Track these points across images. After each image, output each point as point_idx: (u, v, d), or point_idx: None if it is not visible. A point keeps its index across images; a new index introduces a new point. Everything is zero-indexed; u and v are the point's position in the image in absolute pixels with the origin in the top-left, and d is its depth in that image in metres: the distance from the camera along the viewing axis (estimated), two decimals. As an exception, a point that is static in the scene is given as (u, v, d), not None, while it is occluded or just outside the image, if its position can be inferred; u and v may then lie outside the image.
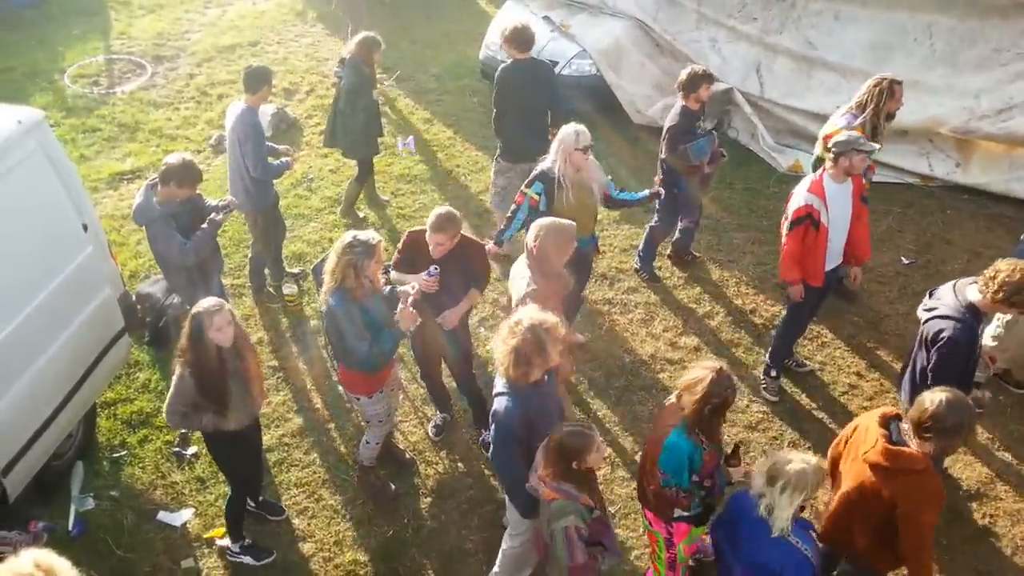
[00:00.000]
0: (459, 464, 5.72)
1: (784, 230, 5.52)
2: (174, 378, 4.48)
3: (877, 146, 5.47)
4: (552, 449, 3.81)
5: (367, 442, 5.35)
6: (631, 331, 6.80)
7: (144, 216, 5.50)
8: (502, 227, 5.84)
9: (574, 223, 4.98)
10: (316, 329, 6.77)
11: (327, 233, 7.81)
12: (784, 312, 6.27)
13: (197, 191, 5.69)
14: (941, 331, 4.39)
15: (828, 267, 5.63)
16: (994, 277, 4.29)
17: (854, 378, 6.37)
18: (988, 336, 5.79)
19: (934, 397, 3.65)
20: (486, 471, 5.65)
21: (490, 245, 5.82)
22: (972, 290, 4.43)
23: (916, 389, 4.47)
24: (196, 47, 11.25)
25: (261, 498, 5.34)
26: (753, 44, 8.96)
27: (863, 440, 3.92)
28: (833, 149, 5.28)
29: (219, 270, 6.08)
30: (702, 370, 3.93)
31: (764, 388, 6.18)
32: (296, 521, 5.38)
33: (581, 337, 6.61)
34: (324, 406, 6.17)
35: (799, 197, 5.40)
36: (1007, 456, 5.78)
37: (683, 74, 6.49)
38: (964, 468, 5.67)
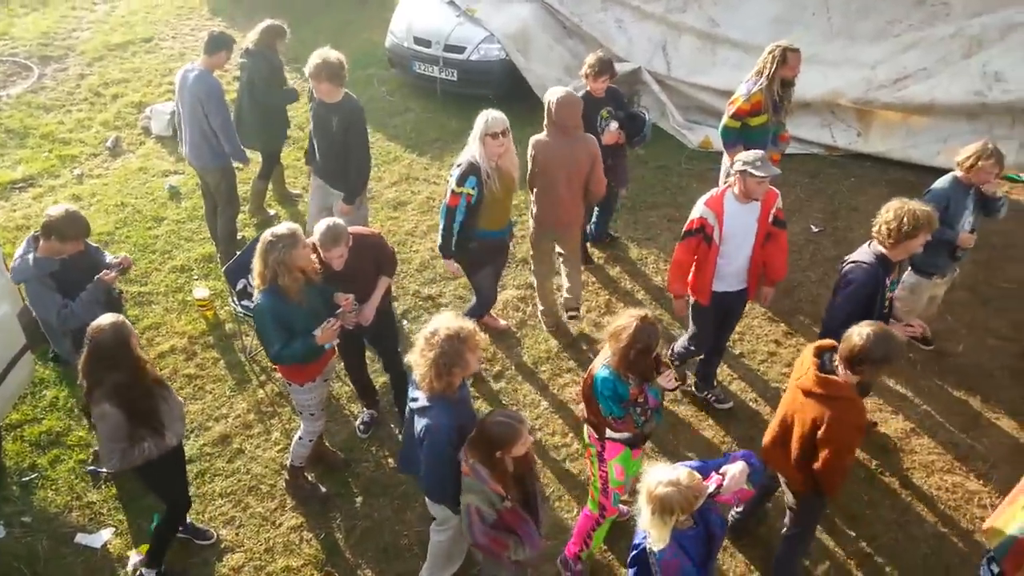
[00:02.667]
0: (389, 460, 5.62)
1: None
2: (96, 421, 4.21)
3: (776, 171, 5.05)
4: (478, 434, 3.80)
5: (300, 438, 5.22)
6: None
7: (20, 274, 4.95)
8: (443, 238, 5.61)
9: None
10: (232, 332, 6.55)
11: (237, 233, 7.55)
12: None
13: (88, 242, 5.18)
14: (847, 273, 4.74)
15: (721, 288, 5.33)
16: (880, 226, 4.66)
17: (772, 346, 6.53)
18: (896, 299, 6.01)
19: (861, 331, 3.86)
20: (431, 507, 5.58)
21: (449, 265, 5.80)
22: (873, 242, 4.78)
23: (827, 315, 4.88)
24: (85, 46, 10.74)
25: (188, 521, 5.13)
26: (658, 23, 9.05)
27: (798, 369, 4.19)
28: (735, 165, 5.02)
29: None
30: (627, 318, 4.11)
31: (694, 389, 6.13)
32: (224, 532, 5.20)
33: (503, 323, 6.59)
34: (246, 411, 5.98)
35: (696, 208, 5.16)
36: (920, 410, 6.02)
37: (586, 61, 6.49)
38: (881, 424, 5.88)
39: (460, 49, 9.26)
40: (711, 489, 3.52)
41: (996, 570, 3.87)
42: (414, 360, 3.97)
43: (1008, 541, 3.82)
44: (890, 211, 4.65)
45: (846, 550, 5.12)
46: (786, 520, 4.63)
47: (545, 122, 5.88)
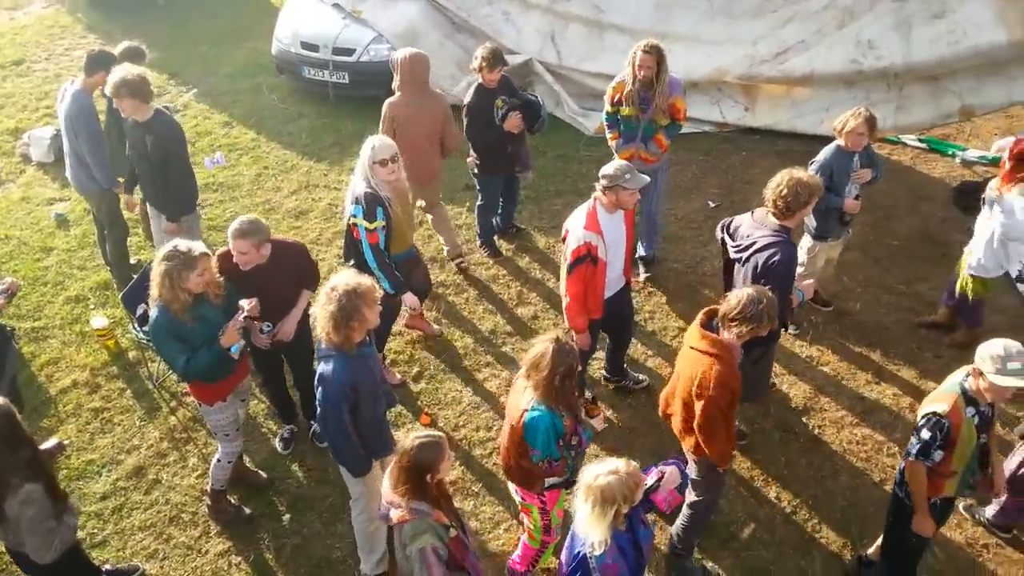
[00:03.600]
0: (313, 474, 5.53)
1: (564, 272, 5.14)
2: (20, 511, 3.84)
3: (646, 179, 5.06)
4: (404, 466, 3.59)
5: (218, 461, 5.08)
6: (469, 309, 6.81)
7: None
8: (388, 279, 5.38)
9: None
10: (136, 360, 6.31)
11: (131, 256, 7.26)
12: None
13: None
14: (771, 258, 4.71)
15: (608, 295, 5.35)
16: (774, 201, 4.79)
17: (682, 321, 6.69)
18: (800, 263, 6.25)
19: (740, 293, 4.10)
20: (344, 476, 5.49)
21: (410, 299, 5.58)
22: (760, 211, 4.92)
23: None
24: (-51, 73, 10.15)
25: (107, 567, 4.89)
26: (545, 13, 9.13)
27: (690, 332, 4.36)
28: (602, 181, 4.98)
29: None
30: (542, 344, 4.01)
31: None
32: (147, 567, 5.02)
33: (436, 328, 6.56)
34: (159, 439, 5.77)
35: (577, 236, 5.01)
36: (825, 369, 6.28)
37: (476, 52, 6.52)
38: (790, 387, 6.11)
39: (349, 51, 9.14)
40: (651, 482, 3.57)
41: (902, 464, 4.20)
42: (317, 311, 4.11)
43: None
44: (780, 186, 4.79)
45: (768, 511, 5.30)
46: (690, 488, 4.75)
47: (396, 84, 6.33)
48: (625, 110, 6.35)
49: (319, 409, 4.22)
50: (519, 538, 4.97)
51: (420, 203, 6.69)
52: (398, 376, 6.18)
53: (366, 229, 5.25)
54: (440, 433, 3.74)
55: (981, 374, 3.83)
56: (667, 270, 7.22)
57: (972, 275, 5.96)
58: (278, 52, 9.62)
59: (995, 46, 7.98)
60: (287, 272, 4.99)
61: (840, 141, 5.81)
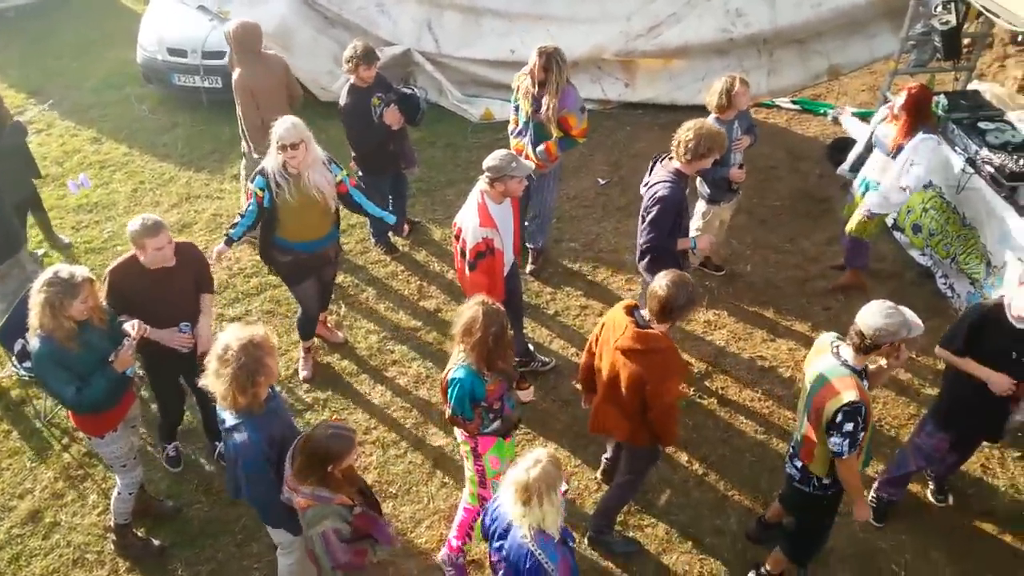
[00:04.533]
0: (223, 496, 5.34)
1: (466, 269, 5.19)
2: None
3: (531, 166, 5.27)
4: (307, 455, 3.62)
5: (119, 494, 4.85)
6: (369, 309, 6.70)
7: None
8: (234, 223, 5.44)
9: None
10: (20, 399, 5.96)
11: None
12: None
13: None
14: (655, 192, 5.07)
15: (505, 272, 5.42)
16: (679, 143, 5.06)
17: (583, 299, 6.76)
18: (692, 229, 6.39)
19: (661, 283, 4.07)
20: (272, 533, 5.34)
21: (220, 246, 5.42)
22: (674, 161, 5.14)
23: (643, 255, 5.24)
24: None
25: None
26: (420, 3, 9.01)
27: (613, 331, 4.27)
28: (488, 174, 5.02)
29: None
30: (470, 309, 4.08)
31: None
32: (52, 614, 4.77)
33: (340, 335, 6.43)
34: (53, 480, 5.46)
35: (474, 234, 5.04)
36: (723, 332, 6.46)
37: (345, 53, 6.34)
38: (691, 352, 6.26)
39: (220, 54, 8.78)
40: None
41: (799, 464, 4.27)
42: (211, 382, 3.77)
43: (799, 438, 4.24)
44: (689, 130, 5.03)
45: (681, 475, 5.43)
46: (622, 467, 4.83)
47: (235, 58, 6.57)
48: (523, 103, 6.29)
49: (244, 483, 3.93)
50: (443, 535, 4.96)
51: None
52: (340, 335, 6.36)
53: (245, 188, 5.45)
54: (352, 428, 3.75)
55: (892, 344, 3.87)
56: (565, 249, 7.28)
57: (868, 215, 6.16)
58: (144, 60, 9.19)
59: (855, 5, 8.34)
60: (189, 272, 4.82)
61: (718, 114, 5.94)
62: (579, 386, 4.96)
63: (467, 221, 5.12)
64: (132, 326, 4.47)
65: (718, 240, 6.72)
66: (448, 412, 4.37)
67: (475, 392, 4.18)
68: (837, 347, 4.02)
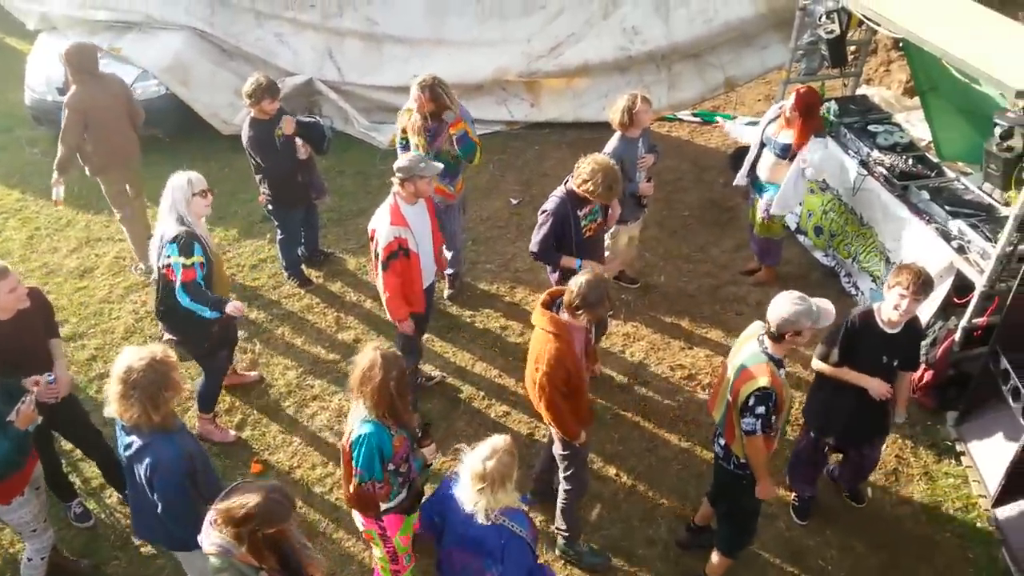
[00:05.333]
0: (141, 551, 5.10)
1: (379, 270, 5.23)
2: None
3: (439, 167, 5.34)
4: (237, 510, 3.28)
5: (29, 560, 4.60)
6: (286, 344, 6.55)
7: None
8: (200, 310, 5.05)
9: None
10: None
11: None
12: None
13: None
14: (545, 204, 5.35)
15: (425, 285, 5.50)
16: (577, 167, 5.22)
17: (502, 320, 6.76)
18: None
19: (578, 280, 4.23)
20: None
21: (232, 310, 5.11)
22: (570, 181, 5.31)
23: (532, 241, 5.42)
24: None
25: None
26: (319, 31, 8.94)
27: (535, 314, 4.47)
28: (399, 174, 5.11)
29: None
30: (366, 356, 3.89)
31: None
32: None
33: (255, 374, 6.25)
34: (-47, 549, 5.14)
35: (385, 233, 5.10)
36: (642, 343, 6.55)
37: (246, 88, 6.22)
38: (611, 363, 6.32)
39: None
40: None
41: (722, 442, 4.42)
42: (116, 409, 3.70)
43: (722, 418, 4.40)
44: (588, 166, 5.15)
45: (611, 488, 5.46)
46: (561, 467, 4.84)
47: (70, 78, 6.54)
48: (415, 139, 6.20)
49: (160, 505, 3.75)
50: (373, 569, 4.85)
51: (128, 189, 6.92)
52: (232, 433, 5.81)
53: (182, 266, 4.92)
54: (288, 492, 3.45)
55: (798, 334, 4.03)
56: (482, 271, 7.28)
57: (771, 216, 6.47)
58: (33, 102, 8.83)
59: (744, 20, 8.65)
60: (39, 318, 4.60)
61: (621, 132, 6.03)
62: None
63: (380, 222, 5.20)
64: (32, 381, 4.27)
65: (630, 255, 6.83)
66: (352, 486, 3.98)
67: (383, 448, 3.91)
68: (762, 335, 4.18)
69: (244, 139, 6.39)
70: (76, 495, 5.29)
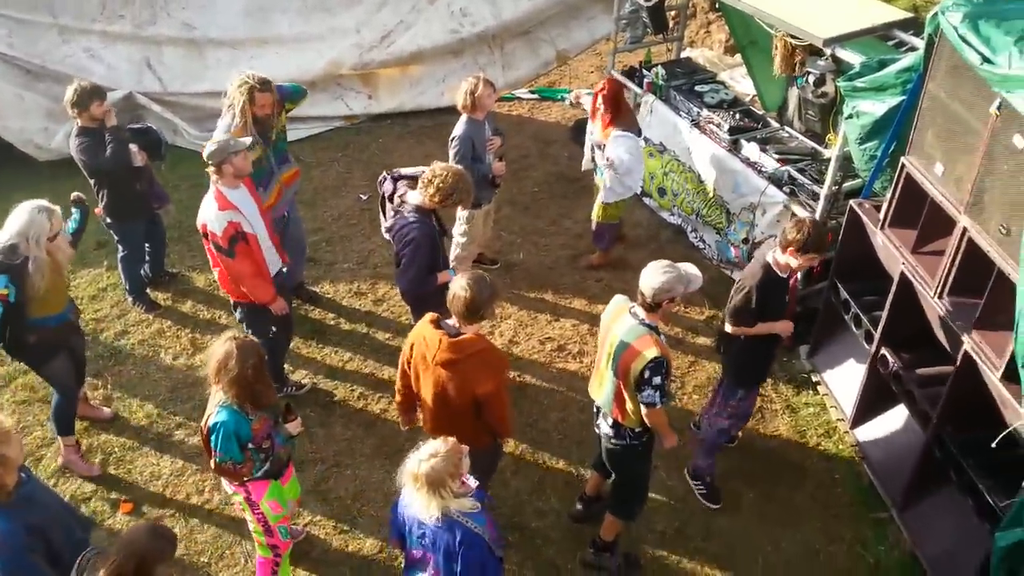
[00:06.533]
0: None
1: (224, 260, 5.09)
2: None
3: (248, 140, 5.26)
4: (119, 554, 3.17)
5: None
6: (140, 375, 6.18)
7: None
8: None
9: None
10: None
11: None
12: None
13: None
14: (406, 235, 5.02)
15: (273, 271, 5.39)
16: (431, 181, 4.95)
17: (368, 318, 6.66)
18: (457, 235, 6.46)
19: (462, 284, 4.05)
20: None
21: None
22: (414, 195, 5.08)
23: (405, 296, 5.35)
24: None
25: None
26: (132, 42, 8.43)
27: (427, 348, 4.18)
28: (210, 161, 4.96)
29: None
30: (223, 346, 3.88)
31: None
32: None
33: (108, 411, 5.86)
34: None
35: (216, 220, 4.96)
36: (510, 321, 6.61)
37: (68, 96, 5.84)
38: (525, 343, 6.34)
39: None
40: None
41: (611, 422, 4.48)
42: None
43: (608, 398, 4.42)
44: (442, 173, 4.93)
45: (500, 466, 5.47)
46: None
47: None
48: (251, 155, 5.77)
49: None
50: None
51: None
52: (97, 468, 5.47)
53: None
54: (162, 533, 3.32)
55: (672, 300, 4.13)
56: (341, 271, 7.13)
57: (604, 203, 6.63)
58: None
59: (567, -8, 8.82)
60: None
61: (467, 114, 6.02)
62: (397, 410, 4.81)
63: (207, 212, 5.05)
64: None
65: (487, 236, 6.86)
66: (214, 461, 4.06)
67: (240, 432, 3.96)
68: (633, 308, 4.25)
69: (73, 151, 5.95)
70: None
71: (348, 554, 5.00)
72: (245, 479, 4.15)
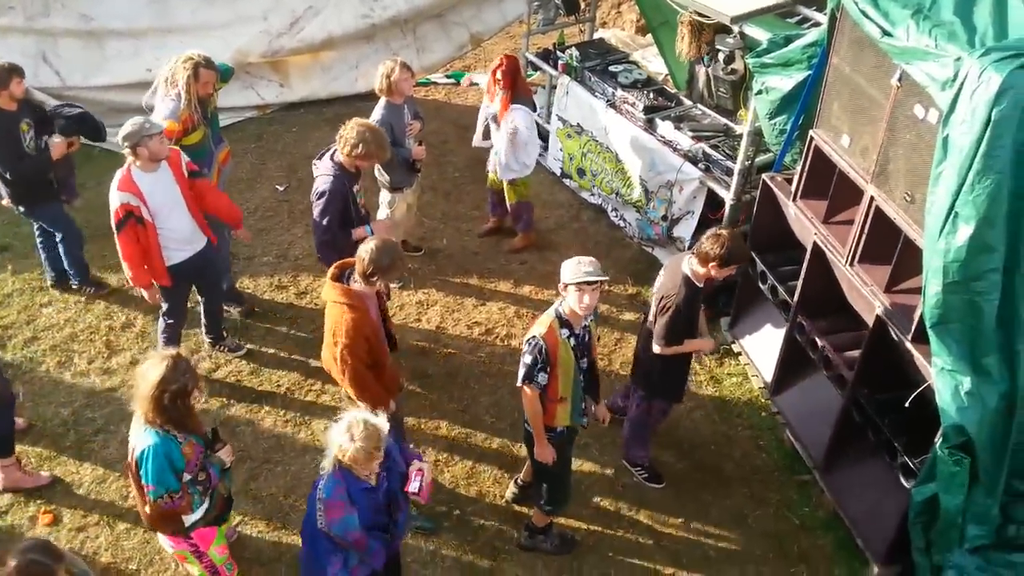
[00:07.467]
0: None
1: (116, 233, 5.10)
2: None
3: (164, 124, 5.23)
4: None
5: None
6: (53, 381, 5.93)
7: None
8: None
9: None
10: None
11: None
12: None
13: None
14: (317, 187, 5.21)
15: (181, 258, 5.32)
16: (340, 135, 5.14)
17: (291, 311, 6.54)
18: (382, 217, 6.41)
19: (366, 247, 4.23)
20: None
21: None
22: (337, 154, 5.21)
23: (319, 248, 5.36)
24: None
25: None
26: (25, 35, 8.03)
27: (325, 289, 4.46)
28: (126, 144, 4.88)
29: None
30: (156, 362, 3.68)
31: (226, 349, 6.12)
32: None
33: (21, 421, 5.57)
34: None
35: (112, 199, 5.00)
36: (437, 308, 6.59)
37: None
38: (411, 335, 6.32)
39: None
40: (413, 489, 3.71)
41: None
42: None
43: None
44: (352, 129, 5.09)
45: (434, 456, 5.47)
46: None
47: None
48: (193, 136, 5.70)
49: None
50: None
51: None
52: (45, 474, 5.27)
53: None
54: (59, 552, 3.18)
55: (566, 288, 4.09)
56: (260, 264, 6.98)
57: (509, 182, 6.64)
58: None
59: (479, -25, 8.77)
60: None
61: (388, 97, 5.96)
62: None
63: (111, 187, 5.05)
64: None
65: (410, 223, 6.81)
66: (148, 505, 3.77)
67: (172, 458, 3.71)
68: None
69: None
70: None
71: (282, 551, 4.93)
72: (186, 526, 3.90)
